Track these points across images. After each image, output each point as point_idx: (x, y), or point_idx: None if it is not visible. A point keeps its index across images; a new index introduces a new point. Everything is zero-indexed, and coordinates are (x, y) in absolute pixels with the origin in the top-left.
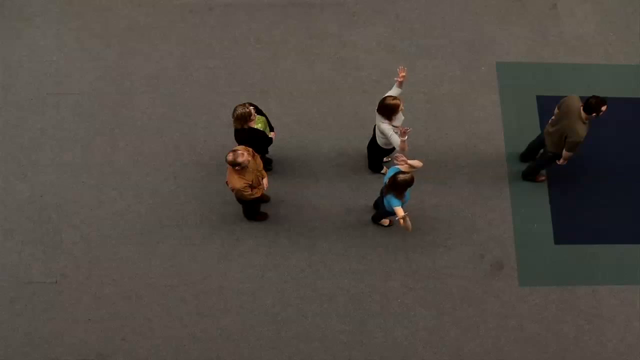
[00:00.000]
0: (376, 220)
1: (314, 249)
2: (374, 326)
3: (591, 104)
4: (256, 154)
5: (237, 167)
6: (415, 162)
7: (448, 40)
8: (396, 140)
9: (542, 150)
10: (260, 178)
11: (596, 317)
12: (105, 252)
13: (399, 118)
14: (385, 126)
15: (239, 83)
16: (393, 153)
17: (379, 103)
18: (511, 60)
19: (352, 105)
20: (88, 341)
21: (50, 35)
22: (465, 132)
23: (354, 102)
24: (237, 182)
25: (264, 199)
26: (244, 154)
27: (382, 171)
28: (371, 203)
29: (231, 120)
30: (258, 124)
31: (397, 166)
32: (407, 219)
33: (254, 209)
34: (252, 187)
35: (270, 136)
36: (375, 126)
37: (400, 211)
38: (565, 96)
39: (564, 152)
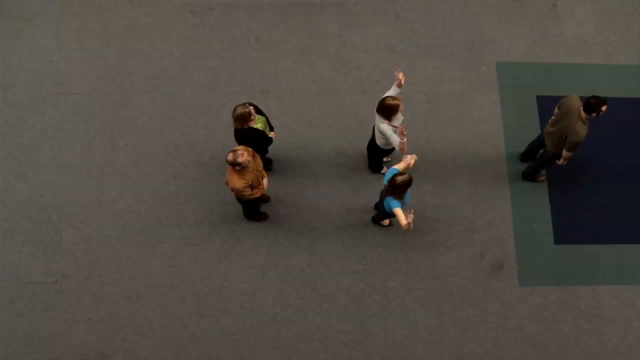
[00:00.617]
0: (376, 220)
1: (314, 249)
2: (374, 326)
3: (591, 104)
4: (256, 154)
5: (237, 167)
6: (410, 157)
7: (448, 40)
8: (395, 140)
9: (542, 150)
10: (260, 178)
11: (596, 317)
12: (105, 252)
13: (399, 118)
14: (384, 126)
15: (239, 83)
16: (392, 153)
17: (379, 103)
18: (511, 60)
19: (352, 105)
20: (88, 341)
21: (50, 35)
22: (465, 132)
23: (354, 102)
24: (237, 182)
25: (264, 199)
26: (244, 154)
27: (382, 171)
28: (371, 203)
29: (231, 120)
30: (258, 124)
31: (394, 167)
32: (411, 225)
33: (254, 209)
34: (252, 187)
35: (270, 136)
36: (374, 126)
37: (400, 214)
38: (565, 96)
39: (564, 152)
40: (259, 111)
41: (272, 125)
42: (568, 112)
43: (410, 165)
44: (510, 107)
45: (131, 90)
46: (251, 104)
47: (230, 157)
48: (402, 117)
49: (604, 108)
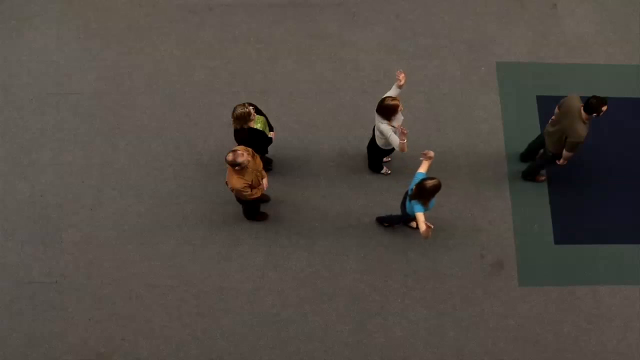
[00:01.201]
0: (382, 221)
1: (314, 249)
2: (374, 326)
3: (591, 104)
4: (256, 154)
5: (236, 167)
6: (427, 158)
7: (448, 40)
8: (395, 140)
9: (542, 150)
10: (260, 178)
11: (596, 317)
12: (105, 252)
13: (399, 118)
14: (384, 126)
15: (239, 83)
16: (393, 153)
17: (378, 103)
18: (511, 60)
19: (352, 105)
20: (88, 341)
21: (50, 35)
22: (465, 132)
23: (354, 102)
24: (237, 182)
25: (264, 199)
26: (243, 154)
27: (382, 171)
28: (371, 203)
29: (231, 120)
30: (258, 124)
31: (420, 171)
32: (430, 232)
33: (254, 209)
34: (251, 187)
35: (269, 136)
36: (374, 126)
37: (422, 219)
38: (565, 96)
39: (564, 152)
40: (258, 111)
41: (272, 125)
42: (568, 112)
43: (431, 159)
44: (510, 107)
45: (131, 90)
46: (251, 104)
47: (230, 157)
48: (402, 118)
49: (604, 108)
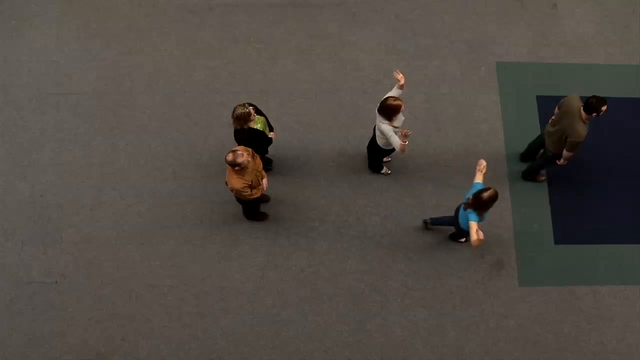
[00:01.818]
0: (434, 223)
1: (314, 249)
2: (374, 326)
3: (591, 104)
4: (256, 154)
5: (236, 168)
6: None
7: (448, 40)
8: (396, 141)
9: (542, 150)
10: (259, 178)
11: (596, 317)
12: (105, 252)
13: (400, 119)
14: (385, 127)
15: (239, 83)
16: (393, 153)
17: (380, 103)
18: (511, 60)
19: (352, 105)
20: (88, 341)
21: (50, 35)
22: (465, 132)
23: (354, 102)
24: (237, 182)
25: (264, 199)
26: (243, 154)
27: (382, 171)
28: (371, 203)
29: (231, 120)
30: (258, 124)
31: (477, 181)
32: (480, 242)
33: (254, 209)
34: (251, 187)
35: (269, 136)
36: (375, 126)
37: (475, 228)
38: (565, 96)
39: (564, 152)
40: (258, 111)
41: (272, 125)
42: (568, 112)
43: (484, 170)
44: (510, 107)
45: (131, 90)
46: (251, 104)
47: (229, 157)
48: (403, 118)
49: (604, 108)
